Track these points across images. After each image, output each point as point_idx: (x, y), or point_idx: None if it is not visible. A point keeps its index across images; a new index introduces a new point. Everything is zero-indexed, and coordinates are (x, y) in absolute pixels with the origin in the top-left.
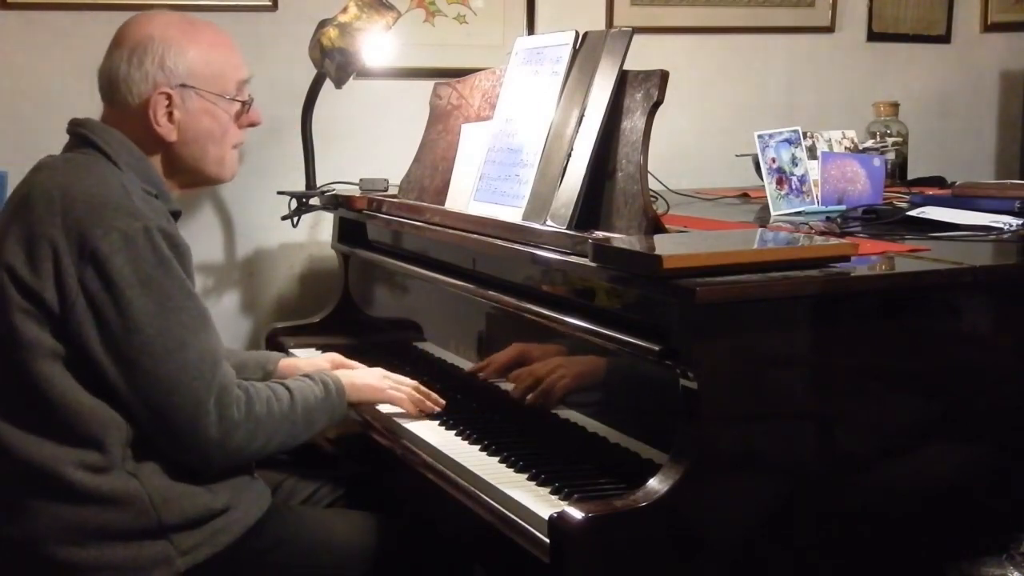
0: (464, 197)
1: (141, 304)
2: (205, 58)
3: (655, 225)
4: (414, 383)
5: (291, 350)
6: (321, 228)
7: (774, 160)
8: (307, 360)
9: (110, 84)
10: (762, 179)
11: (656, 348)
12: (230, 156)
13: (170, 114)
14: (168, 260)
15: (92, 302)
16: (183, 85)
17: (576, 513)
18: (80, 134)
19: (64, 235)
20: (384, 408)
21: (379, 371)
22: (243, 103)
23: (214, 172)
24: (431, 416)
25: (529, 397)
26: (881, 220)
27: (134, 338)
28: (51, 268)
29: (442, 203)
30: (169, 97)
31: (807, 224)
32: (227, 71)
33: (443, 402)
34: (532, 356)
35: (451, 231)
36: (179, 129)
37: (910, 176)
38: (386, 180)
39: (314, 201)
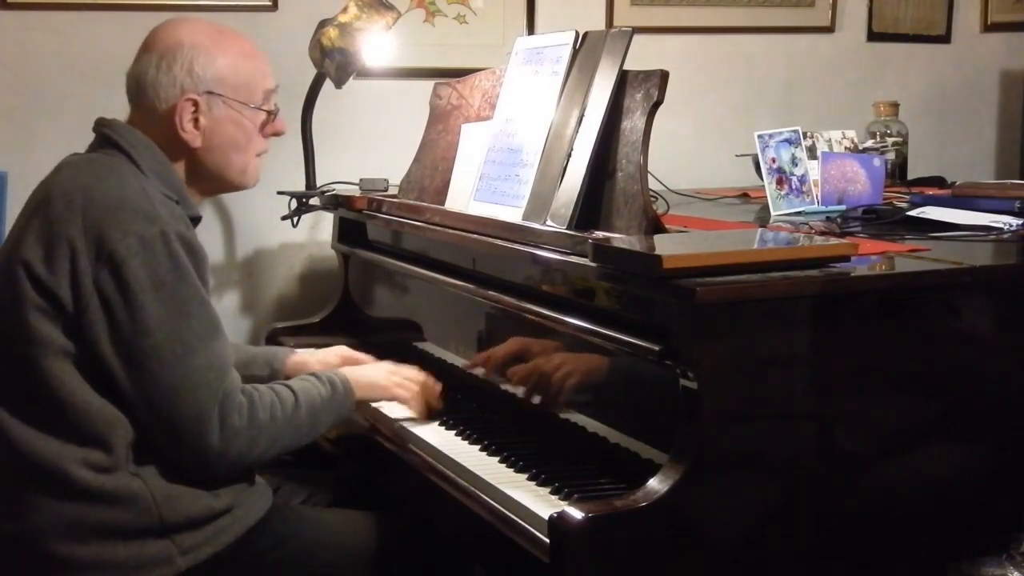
0: (464, 197)
1: (153, 308)
2: (233, 66)
3: (655, 225)
4: (423, 378)
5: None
6: (321, 228)
7: (774, 160)
8: (315, 356)
9: (138, 87)
10: (762, 179)
11: (656, 348)
12: (253, 164)
13: (196, 120)
14: (184, 266)
15: (105, 303)
16: (210, 92)
17: (576, 513)
18: (105, 134)
19: (83, 235)
20: (384, 409)
21: (386, 366)
22: (269, 112)
23: (237, 180)
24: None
25: (528, 395)
26: (881, 220)
27: (143, 341)
28: (68, 267)
29: (442, 203)
30: (196, 103)
31: (807, 224)
32: (254, 80)
33: (441, 398)
34: (532, 354)
35: (451, 231)
36: (204, 136)
37: (910, 176)
38: (386, 180)
39: (314, 201)
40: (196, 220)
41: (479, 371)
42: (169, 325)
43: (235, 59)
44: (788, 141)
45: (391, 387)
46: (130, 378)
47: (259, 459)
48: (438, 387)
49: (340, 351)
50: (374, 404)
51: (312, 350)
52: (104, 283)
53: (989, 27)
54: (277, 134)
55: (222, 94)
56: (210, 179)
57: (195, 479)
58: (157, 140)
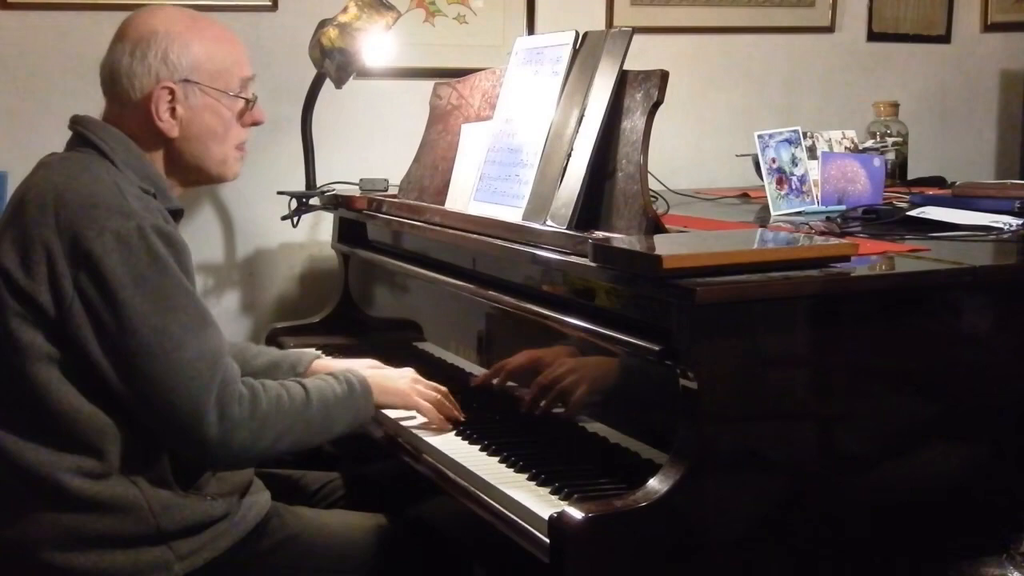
0: (464, 197)
1: (136, 304)
2: (209, 53)
3: (655, 225)
4: (444, 391)
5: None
6: (321, 228)
7: (774, 160)
8: (342, 364)
9: (112, 77)
10: (762, 179)
11: (656, 348)
12: (233, 155)
13: (172, 109)
14: (163, 259)
15: (88, 304)
16: (186, 80)
17: (576, 513)
18: (78, 132)
19: (57, 237)
20: (386, 410)
21: (410, 373)
22: (247, 100)
23: (217, 171)
24: None
25: (531, 400)
26: (881, 220)
27: (130, 339)
28: (45, 271)
29: (442, 203)
30: (172, 92)
31: (807, 224)
32: (231, 67)
33: (463, 417)
34: (534, 362)
35: (451, 231)
36: (181, 125)
37: (910, 176)
38: (386, 180)
39: (314, 201)
40: (177, 213)
41: (484, 382)
42: (154, 320)
43: (211, 46)
44: (788, 141)
45: (412, 395)
46: (122, 377)
47: (266, 453)
48: (456, 411)
49: (369, 363)
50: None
51: (340, 359)
52: (84, 284)
53: (989, 27)
54: (256, 123)
55: (198, 82)
56: (190, 170)
57: (193, 485)
58: (133, 132)
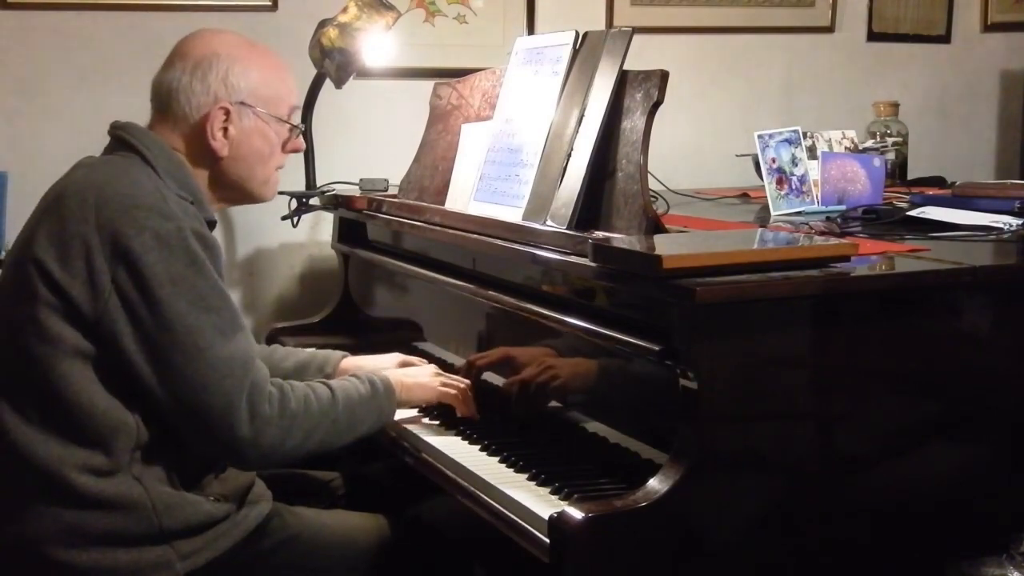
0: (464, 197)
1: (173, 303)
2: (265, 79)
3: (655, 225)
4: (467, 382)
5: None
6: (321, 228)
7: (774, 160)
8: (369, 361)
9: (169, 95)
10: (762, 179)
11: (656, 348)
12: (274, 178)
13: (225, 130)
14: (201, 261)
15: (125, 301)
16: (242, 103)
17: (576, 513)
18: (120, 137)
19: (97, 234)
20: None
21: (431, 368)
22: (293, 127)
23: (258, 191)
24: (430, 416)
25: (529, 396)
26: (881, 220)
27: (166, 336)
28: (83, 266)
29: (442, 203)
30: (227, 113)
31: (807, 224)
32: (283, 95)
33: (477, 417)
34: (531, 356)
35: (451, 231)
36: (231, 145)
37: (910, 176)
38: (386, 180)
39: (314, 201)
40: (211, 224)
41: (479, 369)
42: (190, 319)
43: (267, 72)
44: (788, 141)
45: (437, 387)
46: (156, 375)
47: (295, 451)
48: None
49: (395, 358)
50: None
51: (367, 356)
52: (122, 281)
53: (989, 27)
54: (296, 150)
55: (253, 105)
56: (231, 188)
57: (197, 486)
58: (181, 147)
